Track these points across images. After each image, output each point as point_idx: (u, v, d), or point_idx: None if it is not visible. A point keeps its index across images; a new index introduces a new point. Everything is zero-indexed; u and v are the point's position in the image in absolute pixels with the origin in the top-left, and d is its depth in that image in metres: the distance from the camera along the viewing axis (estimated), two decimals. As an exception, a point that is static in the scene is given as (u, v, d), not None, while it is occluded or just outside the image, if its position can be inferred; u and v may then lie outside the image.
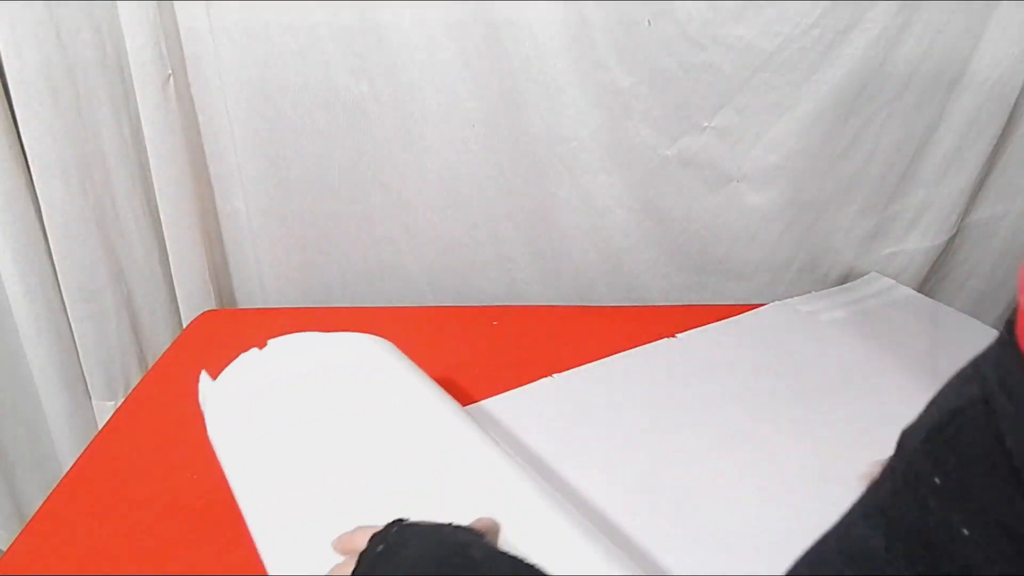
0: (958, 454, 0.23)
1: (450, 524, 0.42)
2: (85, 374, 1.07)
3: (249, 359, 0.67)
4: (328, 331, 0.70)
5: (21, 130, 0.89)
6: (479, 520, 0.44)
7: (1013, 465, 0.21)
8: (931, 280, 1.08)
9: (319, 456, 0.55)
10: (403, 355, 0.70)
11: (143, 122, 0.94)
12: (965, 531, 0.22)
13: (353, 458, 0.54)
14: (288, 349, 0.68)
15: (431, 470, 0.52)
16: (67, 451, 1.08)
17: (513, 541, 0.45)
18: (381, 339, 0.71)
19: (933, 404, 0.26)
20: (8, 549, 0.63)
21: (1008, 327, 0.23)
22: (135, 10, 0.87)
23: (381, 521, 0.44)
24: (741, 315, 0.95)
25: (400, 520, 0.43)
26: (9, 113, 0.89)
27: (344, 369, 0.65)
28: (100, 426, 0.83)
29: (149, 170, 0.99)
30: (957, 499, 0.22)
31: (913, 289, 1.02)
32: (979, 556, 0.21)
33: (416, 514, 0.45)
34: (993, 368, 0.23)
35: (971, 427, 0.23)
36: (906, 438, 0.26)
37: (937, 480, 0.23)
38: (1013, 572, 0.20)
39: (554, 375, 0.83)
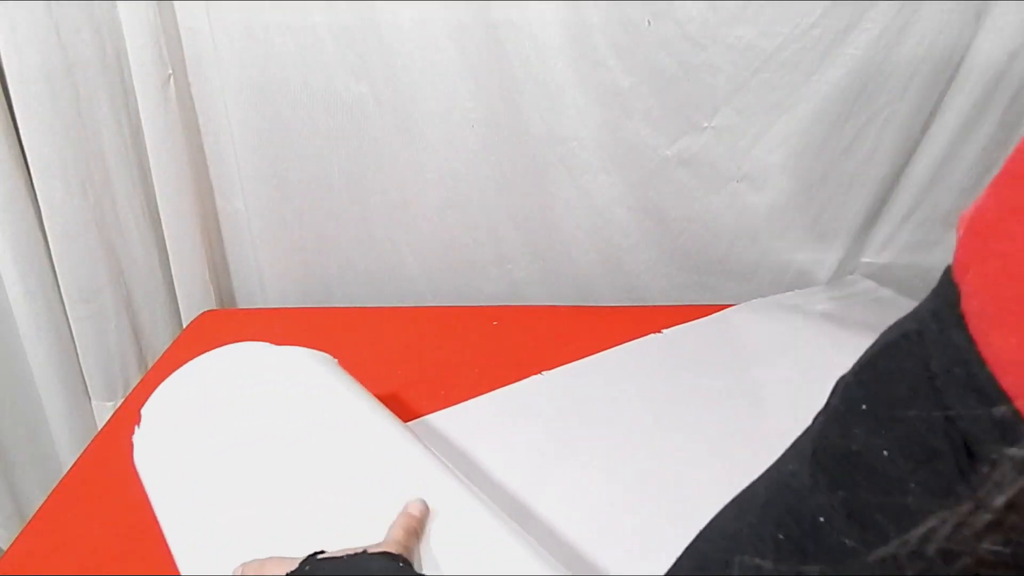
0: (886, 382, 0.23)
1: (365, 552, 0.40)
2: (84, 374, 1.07)
3: (172, 385, 0.64)
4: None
5: (21, 130, 0.89)
6: (393, 541, 0.42)
7: (936, 387, 0.21)
8: (931, 280, 1.08)
9: (242, 479, 0.53)
10: (339, 369, 0.67)
11: (143, 122, 0.94)
12: (885, 453, 0.22)
13: (279, 479, 0.52)
14: (220, 364, 0.65)
15: (360, 487, 0.50)
16: (67, 451, 1.08)
17: (445, 555, 0.45)
18: (317, 353, 0.68)
19: (871, 346, 0.26)
20: (8, 549, 0.63)
21: (947, 269, 0.23)
22: (135, 10, 0.87)
23: (301, 543, 0.43)
24: (722, 312, 0.96)
25: (316, 553, 0.41)
26: (9, 113, 0.89)
27: (274, 386, 0.62)
28: (100, 426, 0.83)
29: (149, 170, 0.99)
30: (881, 423, 0.23)
31: (913, 288, 1.02)
32: (897, 475, 0.21)
33: (340, 532, 0.44)
34: (928, 303, 0.23)
35: (902, 356, 0.23)
36: (841, 380, 0.27)
37: (864, 407, 0.24)
38: (930, 488, 0.20)
39: (543, 372, 0.84)
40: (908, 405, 0.22)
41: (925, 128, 0.94)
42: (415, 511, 0.45)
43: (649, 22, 0.85)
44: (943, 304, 0.22)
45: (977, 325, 0.20)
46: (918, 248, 1.03)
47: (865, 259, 1.06)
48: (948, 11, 0.84)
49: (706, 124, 0.93)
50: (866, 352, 0.26)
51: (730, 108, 0.91)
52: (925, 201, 0.99)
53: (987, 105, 0.90)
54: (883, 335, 0.25)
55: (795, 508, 0.25)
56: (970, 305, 0.21)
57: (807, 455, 0.26)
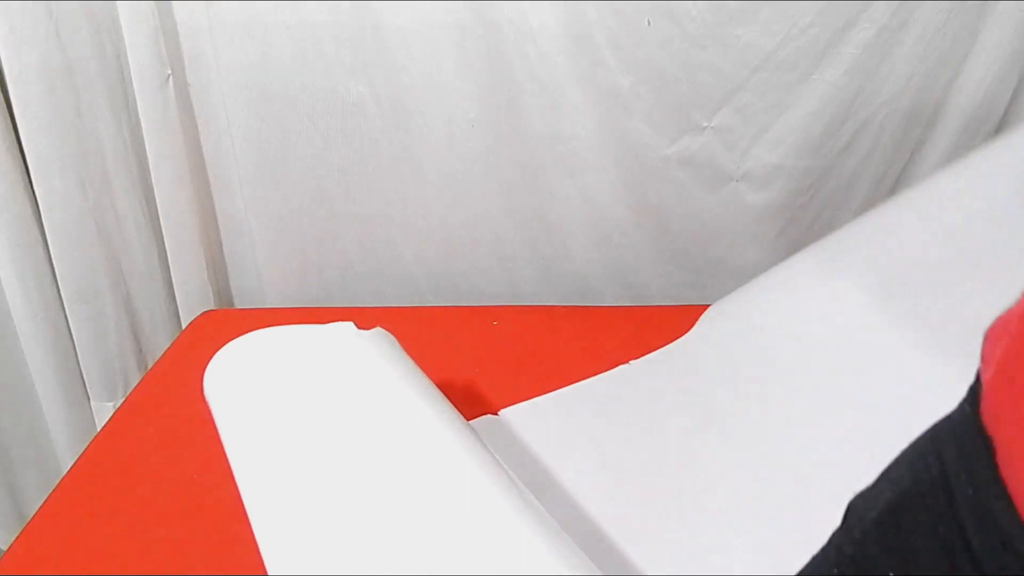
0: (913, 542, 0.21)
1: None
2: (84, 375, 1.07)
3: (251, 342, 0.66)
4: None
5: (20, 130, 0.89)
6: None
7: (976, 560, 0.18)
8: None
9: (323, 460, 0.54)
10: (401, 350, 0.69)
11: (142, 122, 0.94)
12: None
13: (355, 464, 0.53)
14: (289, 339, 0.67)
15: (428, 482, 0.51)
16: (66, 452, 1.08)
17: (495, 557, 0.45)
18: (382, 333, 0.70)
19: (886, 477, 0.23)
20: (8, 549, 0.62)
21: (971, 397, 0.20)
22: (134, 10, 0.87)
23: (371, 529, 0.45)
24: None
25: None
26: (7, 112, 0.89)
27: (345, 365, 0.64)
28: (99, 427, 0.83)
29: (148, 170, 0.99)
30: None
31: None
32: None
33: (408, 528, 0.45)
34: (954, 447, 0.21)
35: (929, 513, 0.20)
36: (854, 512, 0.24)
37: (891, 574, 0.21)
38: None
39: (563, 388, 0.82)
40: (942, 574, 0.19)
41: (928, 128, 0.94)
42: None
43: (649, 22, 0.86)
44: (973, 457, 0.19)
45: None
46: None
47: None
48: (947, 10, 0.84)
49: (705, 124, 0.93)
50: (881, 487, 0.23)
51: (729, 108, 0.91)
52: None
53: (991, 104, 0.90)
54: (898, 470, 0.22)
55: None
56: (1011, 466, 0.18)
57: None
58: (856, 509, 0.24)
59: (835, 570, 0.24)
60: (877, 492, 0.23)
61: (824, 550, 0.25)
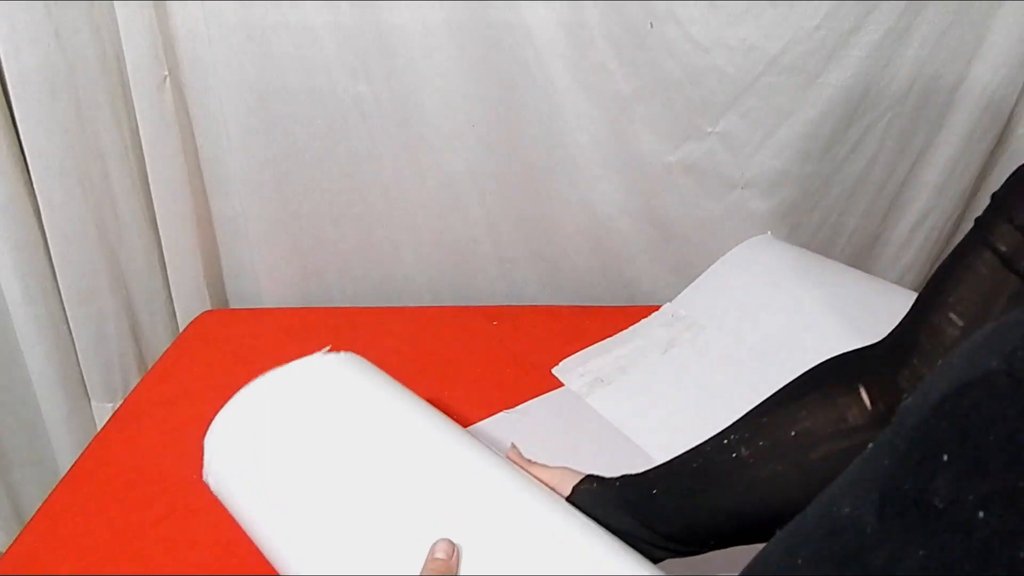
0: (972, 429, 0.21)
1: None
2: (84, 376, 1.06)
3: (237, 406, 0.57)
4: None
5: (20, 131, 0.89)
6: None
7: None
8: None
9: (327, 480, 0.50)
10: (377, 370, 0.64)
11: (139, 123, 0.94)
12: (980, 514, 0.19)
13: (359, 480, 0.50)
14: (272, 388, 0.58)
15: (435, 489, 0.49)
16: (66, 452, 1.08)
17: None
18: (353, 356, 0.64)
19: (936, 379, 0.24)
20: (8, 549, 0.62)
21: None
22: (131, 11, 0.87)
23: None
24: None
25: None
26: (8, 114, 0.89)
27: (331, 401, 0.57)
28: (99, 428, 0.83)
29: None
30: (971, 478, 0.20)
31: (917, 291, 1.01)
32: (997, 539, 0.19)
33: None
34: (1011, 341, 0.21)
35: (990, 402, 0.21)
36: (906, 414, 0.24)
37: (946, 457, 0.21)
38: None
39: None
40: (1006, 461, 0.19)
41: (930, 132, 0.93)
42: (443, 554, 0.42)
43: (651, 25, 0.85)
44: None
45: None
46: (926, 251, 1.03)
47: (870, 262, 1.05)
48: (952, 13, 0.83)
49: (709, 129, 0.92)
50: (930, 387, 0.23)
51: (734, 113, 0.91)
52: (932, 206, 0.99)
53: (997, 107, 0.89)
54: (951, 370, 0.23)
55: (860, 555, 0.23)
56: None
57: (872, 500, 0.23)
58: (906, 412, 0.24)
59: (884, 461, 0.24)
60: (928, 391, 0.23)
61: (873, 450, 0.25)
